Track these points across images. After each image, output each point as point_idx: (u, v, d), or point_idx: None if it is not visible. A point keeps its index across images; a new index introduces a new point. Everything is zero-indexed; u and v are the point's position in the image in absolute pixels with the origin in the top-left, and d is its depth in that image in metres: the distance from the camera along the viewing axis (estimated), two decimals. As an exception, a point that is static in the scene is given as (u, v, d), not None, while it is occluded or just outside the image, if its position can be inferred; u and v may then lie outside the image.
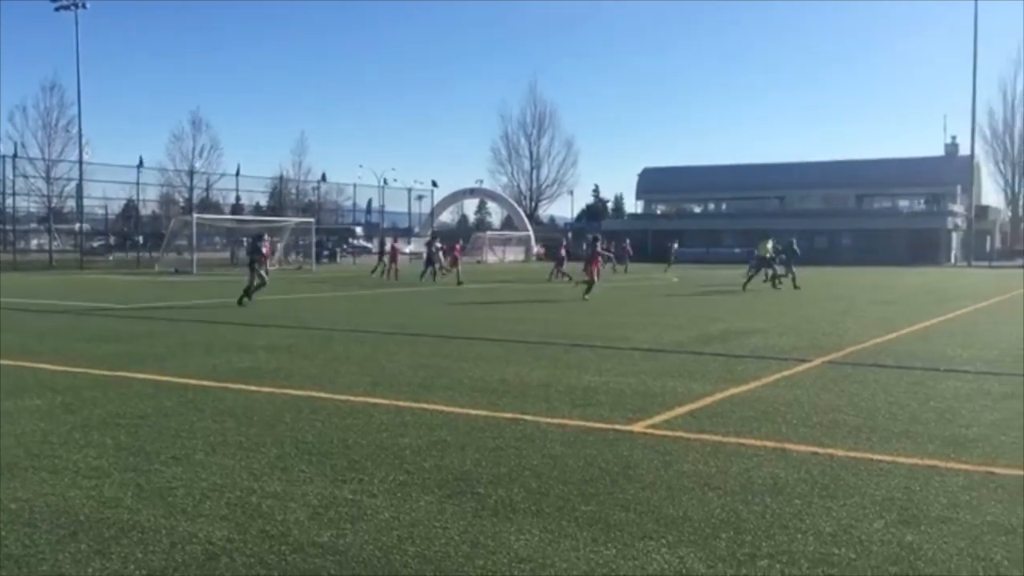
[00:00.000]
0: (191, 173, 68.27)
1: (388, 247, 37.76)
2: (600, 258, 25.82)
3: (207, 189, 69.72)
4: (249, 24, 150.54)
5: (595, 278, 24.52)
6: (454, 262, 34.33)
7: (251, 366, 10.68)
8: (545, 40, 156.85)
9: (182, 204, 66.33)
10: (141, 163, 55.90)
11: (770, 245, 29.96)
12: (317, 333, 15.16)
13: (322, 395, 8.64)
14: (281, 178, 73.95)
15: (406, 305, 22.30)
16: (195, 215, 48.18)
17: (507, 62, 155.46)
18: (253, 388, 9.02)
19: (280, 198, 71.78)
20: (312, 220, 54.26)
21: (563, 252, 37.74)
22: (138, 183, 55.73)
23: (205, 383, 9.35)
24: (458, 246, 37.77)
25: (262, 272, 21.54)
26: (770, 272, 29.54)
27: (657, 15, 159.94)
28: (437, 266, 34.70)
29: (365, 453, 6.31)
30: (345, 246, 65.78)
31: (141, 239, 56.73)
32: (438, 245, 36.45)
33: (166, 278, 37.36)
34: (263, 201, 73.35)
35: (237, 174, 64.87)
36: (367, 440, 6.72)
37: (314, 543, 4.47)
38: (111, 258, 55.49)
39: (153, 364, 10.73)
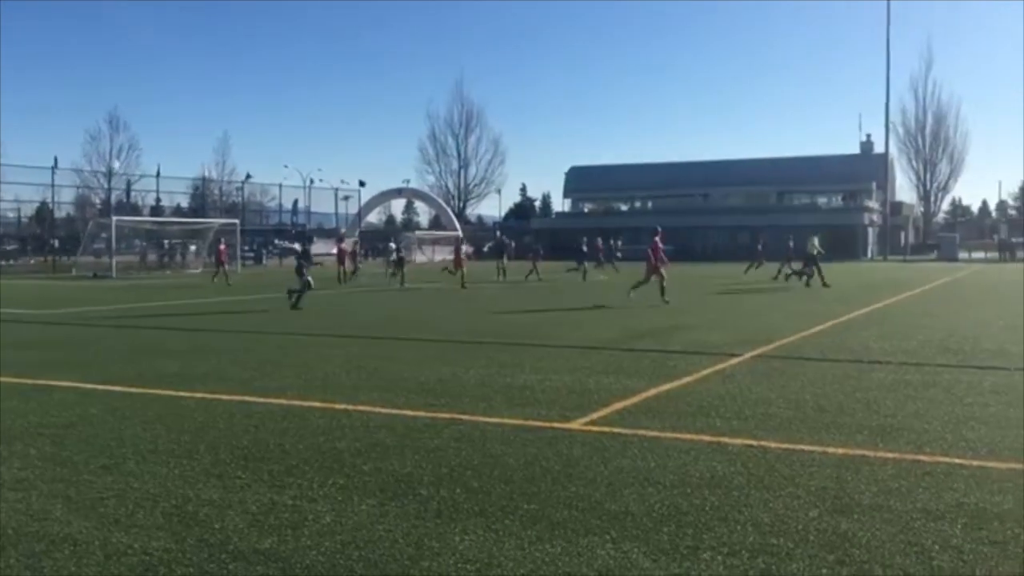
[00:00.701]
0: (109, 174, 66.49)
1: (393, 249, 35.20)
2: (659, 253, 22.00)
3: (126, 190, 67.99)
4: (168, 21, 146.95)
5: (661, 274, 21.59)
6: (459, 263, 32.07)
7: (178, 371, 10.44)
8: (471, 39, 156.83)
9: (99, 206, 64.50)
10: (56, 164, 54.17)
11: (816, 242, 29.73)
12: (245, 336, 14.90)
13: (255, 399, 8.49)
14: (203, 179, 72.55)
15: (334, 307, 22.05)
16: (114, 217, 46.87)
17: (433, 61, 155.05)
18: (183, 394, 8.81)
19: (202, 199, 70.36)
20: (236, 221, 53.28)
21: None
22: (53, 184, 53.95)
23: (131, 389, 9.10)
24: (463, 248, 35.27)
25: (309, 278, 21.22)
26: (808, 270, 29.00)
27: (582, 15, 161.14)
28: (395, 269, 32.86)
29: (303, 457, 6.22)
30: (271, 247, 64.76)
31: (56, 242, 54.97)
32: (392, 246, 36.24)
33: (84, 282, 36.27)
34: (184, 202, 71.87)
35: (157, 175, 63.39)
36: (304, 444, 6.62)
37: (256, 550, 4.39)
38: (31, 262, 53.55)
39: (75, 371, 10.40)
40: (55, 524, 4.79)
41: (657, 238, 22.58)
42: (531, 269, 35.78)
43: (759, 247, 38.32)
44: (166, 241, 53.35)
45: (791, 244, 32.82)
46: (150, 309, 20.72)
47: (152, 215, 61.18)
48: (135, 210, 63.07)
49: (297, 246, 25.48)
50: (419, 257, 68.10)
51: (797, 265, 30.46)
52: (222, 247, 34.71)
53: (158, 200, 68.06)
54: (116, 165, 68.81)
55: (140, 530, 4.69)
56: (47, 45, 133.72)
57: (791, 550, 4.36)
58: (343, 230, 77.86)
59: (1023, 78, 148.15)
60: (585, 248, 38.95)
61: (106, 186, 67.40)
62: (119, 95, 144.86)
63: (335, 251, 35.77)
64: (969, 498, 5.16)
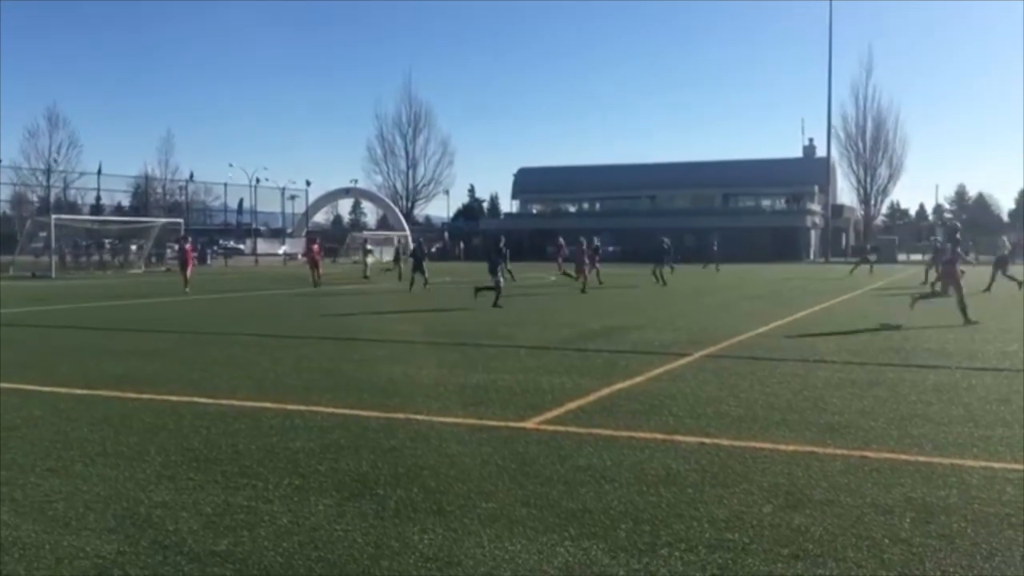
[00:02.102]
0: (48, 172, 64.91)
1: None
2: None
3: (65, 188, 66.48)
4: (112, 19, 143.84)
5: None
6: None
7: (125, 372, 10.23)
8: (420, 40, 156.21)
9: (37, 204, 62.95)
10: (-8, 161, 52.74)
11: (1006, 240, 29.98)
12: (193, 337, 14.67)
13: (205, 400, 8.36)
14: (146, 177, 71.21)
15: (283, 308, 21.81)
16: (53, 216, 45.73)
17: (382, 61, 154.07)
18: (130, 395, 8.65)
19: (145, 198, 69.08)
20: (180, 221, 52.39)
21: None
22: (-11, 182, 52.57)
23: (76, 391, 8.90)
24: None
25: (500, 277, 21.21)
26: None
27: (531, 18, 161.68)
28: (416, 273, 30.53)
29: (256, 458, 6.15)
30: (215, 247, 63.82)
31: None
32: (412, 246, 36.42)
33: (22, 282, 35.34)
34: (126, 201, 70.50)
35: (99, 173, 62.24)
36: (257, 445, 6.55)
37: (211, 552, 4.33)
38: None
39: (16, 373, 10.14)
40: (3, 528, 4.67)
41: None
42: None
43: (714, 247, 38.97)
44: (107, 240, 52.24)
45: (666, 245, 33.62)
46: (93, 309, 20.27)
47: (92, 214, 59.85)
48: (75, 209, 61.70)
49: (501, 244, 24.04)
50: (368, 258, 67.59)
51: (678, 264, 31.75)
52: (188, 247, 31.83)
53: (98, 198, 66.68)
54: (55, 162, 67.16)
55: (91, 533, 4.59)
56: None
57: (747, 545, 4.43)
58: (289, 230, 77.11)
59: (959, 84, 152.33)
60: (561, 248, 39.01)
61: (45, 184, 65.78)
62: (59, 91, 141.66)
63: (303, 253, 33.89)
64: (916, 493, 5.30)
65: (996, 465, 5.96)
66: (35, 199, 65.19)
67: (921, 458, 6.14)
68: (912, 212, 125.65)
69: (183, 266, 28.00)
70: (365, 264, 39.97)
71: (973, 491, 5.33)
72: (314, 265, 31.33)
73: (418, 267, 27.21)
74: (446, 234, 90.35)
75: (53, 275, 40.15)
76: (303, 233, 76.38)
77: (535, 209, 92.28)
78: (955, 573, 4.06)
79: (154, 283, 32.62)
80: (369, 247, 44.66)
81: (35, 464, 5.98)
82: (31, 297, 25.24)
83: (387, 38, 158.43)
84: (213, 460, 6.10)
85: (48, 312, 19.80)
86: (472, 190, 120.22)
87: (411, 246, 26.39)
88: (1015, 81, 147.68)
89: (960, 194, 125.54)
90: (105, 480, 5.61)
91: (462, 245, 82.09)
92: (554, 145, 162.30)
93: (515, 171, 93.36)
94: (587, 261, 28.82)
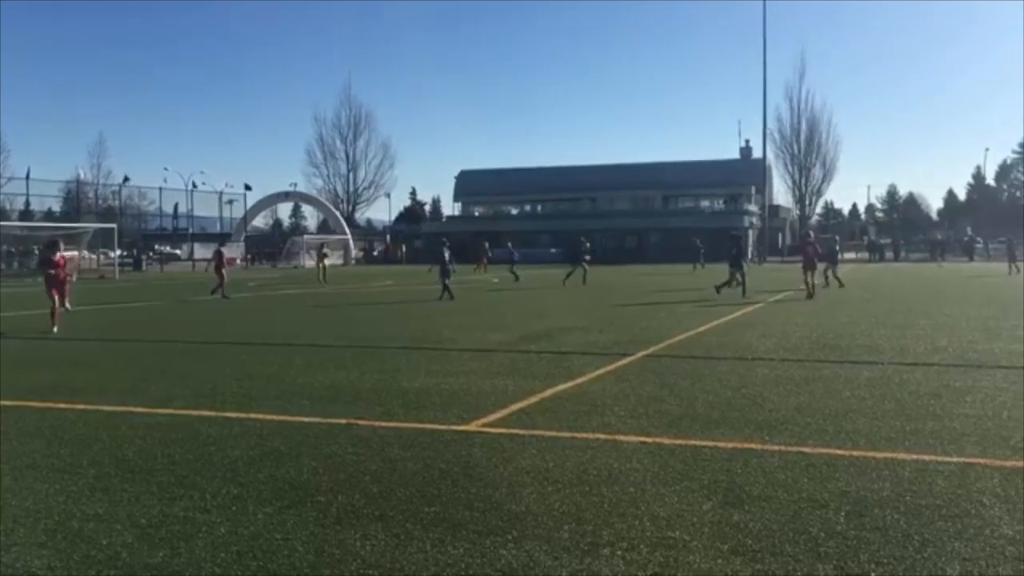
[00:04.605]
0: (-27, 177, 62.97)
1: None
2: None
3: (-9, 194, 64.57)
4: (40, 19, 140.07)
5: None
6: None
7: (55, 382, 9.96)
8: (359, 41, 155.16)
9: (-37, 210, 61.04)
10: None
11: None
12: (126, 346, 14.35)
13: (139, 410, 8.18)
14: (78, 181, 69.49)
15: (217, 314, 21.46)
16: (-21, 222, 44.33)
17: (321, 63, 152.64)
18: (61, 406, 8.42)
19: (76, 203, 67.41)
20: (114, 226, 51.25)
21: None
22: (-90, 187, 50.79)
23: (3, 402, 8.63)
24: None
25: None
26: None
27: (470, 20, 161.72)
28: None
29: (193, 468, 6.03)
30: (151, 253, 62.55)
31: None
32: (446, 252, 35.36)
33: (-53, 291, 34.17)
34: (56, 206, 68.73)
35: (27, 177, 60.43)
36: (194, 454, 6.42)
37: (146, 565, 4.23)
38: None
39: (-58, 384, 9.80)
40: (-75, 546, 4.50)
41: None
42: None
43: (701, 249, 38.73)
44: (36, 247, 50.81)
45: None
46: (22, 318, 19.68)
47: (21, 219, 58.23)
48: (3, 214, 59.94)
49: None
50: (308, 262, 66.93)
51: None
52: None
53: (27, 204, 64.90)
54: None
55: (20, 548, 4.46)
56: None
57: (687, 542, 4.47)
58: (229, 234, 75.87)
59: (889, 86, 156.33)
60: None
61: (-30, 189, 63.81)
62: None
63: (211, 258, 30.57)
64: (851, 487, 5.41)
65: (927, 458, 6.11)
66: (-40, 205, 63.20)
67: (855, 452, 6.28)
68: (846, 212, 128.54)
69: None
70: (322, 268, 39.61)
71: (905, 484, 5.46)
72: (220, 270, 27.88)
73: (444, 273, 25.18)
74: (388, 237, 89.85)
75: (-19, 283, 38.90)
76: (241, 238, 75.34)
77: (477, 211, 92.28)
78: (889, 564, 4.16)
79: (86, 290, 31.76)
80: (325, 251, 44.42)
81: (-40, 479, 5.79)
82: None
83: (326, 40, 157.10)
84: (148, 471, 5.97)
85: (10, 318, 19.18)
86: (414, 193, 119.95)
87: (445, 252, 23.64)
88: (943, 84, 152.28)
89: (891, 194, 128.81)
90: (35, 494, 5.44)
91: (404, 248, 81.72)
92: (496, 148, 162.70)
93: (457, 173, 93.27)
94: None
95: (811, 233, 27.61)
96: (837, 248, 31.40)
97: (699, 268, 45.24)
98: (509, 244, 40.66)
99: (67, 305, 16.89)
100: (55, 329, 15.89)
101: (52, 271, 16.58)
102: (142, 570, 4.17)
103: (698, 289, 28.61)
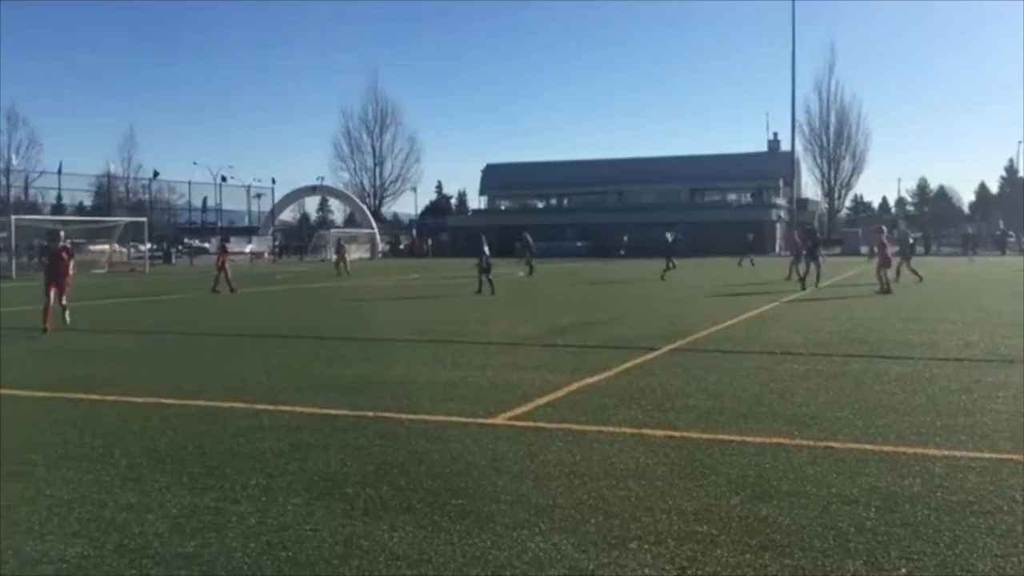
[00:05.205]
0: (7, 171, 63.80)
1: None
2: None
3: (25, 188, 65.42)
4: (72, 16, 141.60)
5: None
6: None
7: (87, 374, 10.09)
8: (386, 35, 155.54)
9: (-4, 204, 61.86)
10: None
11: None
12: (156, 338, 14.50)
13: (170, 401, 8.26)
14: (108, 176, 70.25)
15: (246, 307, 21.64)
16: (13, 216, 44.95)
17: (348, 57, 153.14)
18: (93, 397, 8.53)
19: (107, 197, 68.19)
20: (144, 220, 51.81)
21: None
22: (-54, 182, 51.61)
23: (37, 394, 8.77)
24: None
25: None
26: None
27: (497, 13, 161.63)
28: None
29: (223, 459, 6.09)
30: (181, 247, 63.17)
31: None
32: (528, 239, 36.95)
33: (-18, 284, 34.73)
34: (88, 200, 69.57)
35: (59, 172, 61.25)
36: (224, 446, 6.48)
37: (178, 554, 4.28)
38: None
39: (-23, 376, 9.96)
40: (-37, 534, 4.59)
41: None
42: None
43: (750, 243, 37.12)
44: (69, 240, 51.44)
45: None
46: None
47: (53, 213, 58.99)
48: (35, 208, 60.74)
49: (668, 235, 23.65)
50: (334, 256, 67.29)
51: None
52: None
53: (59, 198, 65.74)
54: (14, 162, 65.99)
55: (55, 537, 4.53)
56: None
57: (715, 537, 4.46)
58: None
59: (921, 78, 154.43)
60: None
61: (4, 184, 64.65)
62: (17, 90, 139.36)
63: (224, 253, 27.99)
64: (881, 482, 5.37)
65: (959, 454, 6.05)
66: (-6, 199, 64.08)
67: (886, 448, 6.22)
68: (875, 205, 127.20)
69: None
70: (344, 261, 39.78)
71: (936, 480, 5.41)
72: (221, 268, 26.87)
73: (486, 270, 24.55)
74: (414, 231, 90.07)
75: (14, 276, 39.48)
76: (269, 231, 75.89)
77: (503, 205, 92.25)
78: (920, 560, 4.12)
79: (118, 284, 32.20)
80: (344, 245, 44.60)
81: (-4, 468, 5.88)
82: (-9, 299, 24.81)
83: (353, 34, 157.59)
84: (179, 461, 6.04)
85: (7, 314, 19.46)
86: (440, 187, 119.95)
87: (485, 249, 23.21)
88: (974, 76, 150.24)
89: (922, 187, 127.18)
90: (69, 483, 5.52)
91: (430, 242, 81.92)
92: (522, 141, 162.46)
93: (483, 167, 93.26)
94: None
95: (884, 228, 26.50)
96: (911, 241, 30.90)
97: (747, 263, 43.65)
98: (527, 236, 39.85)
99: (63, 302, 15.12)
100: (48, 328, 14.32)
101: (48, 260, 15.01)
102: (174, 559, 4.22)
103: (750, 284, 28.43)
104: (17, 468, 5.89)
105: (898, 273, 26.65)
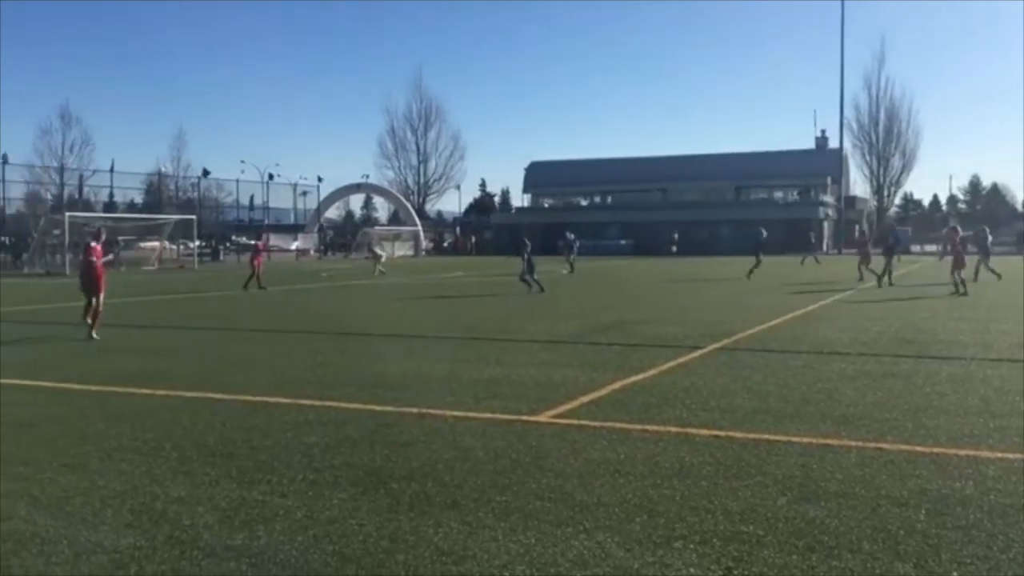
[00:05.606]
0: (61, 170, 65.19)
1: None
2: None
3: (78, 186, 66.79)
4: (123, 17, 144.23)
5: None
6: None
7: (138, 369, 10.29)
8: (430, 34, 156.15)
9: (51, 202, 63.26)
10: (6, 160, 53.05)
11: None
12: (204, 334, 14.73)
13: (219, 396, 8.40)
14: (159, 174, 71.43)
15: (291, 304, 21.89)
16: (67, 214, 45.93)
17: (393, 55, 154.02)
18: (145, 391, 8.69)
19: (158, 195, 69.35)
20: (193, 217, 52.60)
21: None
22: (3, 180, 52.94)
23: (91, 388, 8.96)
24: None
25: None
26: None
27: (542, 11, 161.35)
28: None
29: (271, 453, 6.17)
30: (229, 244, 64.04)
31: (7, 240, 53.74)
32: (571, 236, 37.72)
33: (37, 280, 35.57)
34: (139, 198, 70.80)
35: (111, 170, 62.41)
36: (271, 440, 6.57)
37: (227, 546, 4.35)
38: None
39: (31, 370, 10.20)
40: (20, 523, 4.71)
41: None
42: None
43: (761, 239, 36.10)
44: (120, 238, 52.47)
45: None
46: (107, 307, 20.35)
47: (105, 211, 60.13)
48: (88, 206, 62.00)
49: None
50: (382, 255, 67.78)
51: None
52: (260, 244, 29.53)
53: (111, 196, 66.97)
54: (68, 160, 67.42)
55: (108, 528, 4.63)
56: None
57: (761, 537, 4.42)
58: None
59: (973, 73, 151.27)
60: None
61: (58, 182, 66.09)
62: (71, 89, 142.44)
63: (257, 250, 28.51)
64: (932, 485, 5.28)
65: (1012, 456, 5.93)
66: (49, 197, 65.49)
67: (936, 450, 6.12)
68: (926, 203, 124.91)
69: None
70: (377, 260, 40.07)
71: (989, 482, 5.31)
72: (253, 265, 27.19)
73: (529, 268, 24.01)
74: (457, 229, 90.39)
75: (68, 272, 40.34)
76: (315, 229, 76.66)
77: (547, 203, 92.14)
78: (972, 565, 4.05)
79: (168, 280, 32.76)
80: (377, 243, 44.87)
81: (52, 460, 6.02)
82: (45, 295, 25.39)
83: (397, 32, 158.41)
84: (228, 455, 6.13)
85: (62, 309, 19.91)
86: (483, 184, 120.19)
87: (527, 246, 23.30)
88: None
89: (974, 184, 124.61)
90: (121, 475, 5.64)
91: (473, 240, 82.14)
92: (566, 138, 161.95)
93: (527, 165, 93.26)
94: None
95: (958, 229, 25.72)
96: (989, 240, 30.26)
97: (811, 261, 42.99)
98: (569, 235, 39.54)
99: (96, 304, 13.77)
100: (95, 335, 13.29)
101: (91, 259, 14.08)
102: (223, 551, 4.29)
103: (771, 280, 28.12)
104: (72, 460, 6.03)
105: (976, 273, 26.12)
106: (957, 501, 4.95)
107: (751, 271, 30.88)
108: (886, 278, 25.34)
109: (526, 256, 23.99)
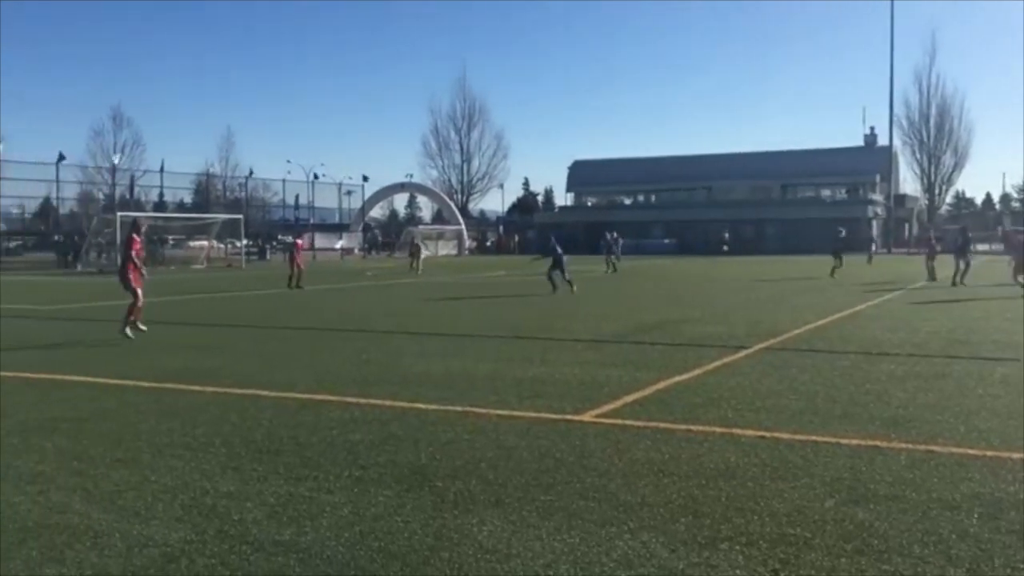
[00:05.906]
0: (112, 170, 66.46)
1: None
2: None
3: (129, 186, 68.07)
4: (171, 18, 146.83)
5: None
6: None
7: (187, 366, 10.46)
8: (474, 33, 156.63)
9: (103, 201, 64.56)
10: (61, 158, 54.25)
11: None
12: (251, 331, 14.93)
13: (266, 393, 8.51)
14: (207, 174, 72.53)
15: (336, 302, 22.09)
16: (118, 213, 46.84)
17: (436, 55, 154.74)
18: (194, 388, 8.84)
19: (206, 194, 70.41)
20: (240, 217, 53.34)
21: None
22: (57, 180, 54.19)
23: (143, 384, 9.13)
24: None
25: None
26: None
27: (586, 10, 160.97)
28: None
29: (317, 450, 6.25)
30: (275, 243, 64.82)
31: (60, 238, 54.96)
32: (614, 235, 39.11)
33: (89, 278, 36.31)
34: (188, 198, 71.95)
35: (161, 170, 63.55)
36: (318, 437, 6.65)
37: (275, 541, 4.41)
38: (34, 258, 53.59)
39: (86, 366, 10.43)
40: (75, 516, 4.82)
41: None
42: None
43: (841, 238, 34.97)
44: (170, 237, 53.41)
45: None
46: (158, 305, 20.74)
47: (155, 210, 61.25)
48: (139, 206, 63.17)
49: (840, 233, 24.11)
50: (422, 252, 68.11)
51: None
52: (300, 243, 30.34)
53: (161, 195, 68.19)
54: (119, 161, 68.69)
55: (160, 522, 4.72)
56: (52, 42, 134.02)
57: (809, 540, 4.37)
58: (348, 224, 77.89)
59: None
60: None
61: (110, 181, 67.41)
62: (123, 91, 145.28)
63: (296, 249, 28.76)
64: (984, 488, 5.17)
65: (1068, 460, 5.79)
66: (101, 196, 66.84)
67: (989, 452, 6.00)
68: (978, 201, 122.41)
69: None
70: (417, 259, 40.17)
71: (1044, 487, 5.19)
72: (294, 262, 27.51)
73: (557, 265, 23.52)
74: (500, 228, 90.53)
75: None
76: (359, 228, 77.31)
77: (590, 202, 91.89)
78: (1026, 570, 3.96)
79: (215, 279, 33.25)
80: (419, 242, 44.93)
81: (105, 455, 6.16)
82: (96, 293, 25.92)
83: (441, 32, 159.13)
84: (276, 452, 6.21)
85: (113, 307, 20.32)
86: (527, 183, 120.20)
87: (553, 242, 23.65)
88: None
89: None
90: (172, 471, 5.74)
91: (516, 239, 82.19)
92: (610, 137, 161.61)
93: (570, 164, 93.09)
94: None
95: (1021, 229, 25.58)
96: None
97: (863, 260, 42.24)
98: (612, 234, 39.67)
99: (135, 301, 13.38)
100: (142, 326, 13.35)
101: (131, 254, 13.62)
102: (271, 546, 4.35)
103: (818, 280, 27.74)
104: (125, 455, 6.15)
105: None
106: (1011, 505, 4.85)
107: (833, 270, 30.56)
108: (958, 278, 25.05)
109: (556, 254, 23.54)
